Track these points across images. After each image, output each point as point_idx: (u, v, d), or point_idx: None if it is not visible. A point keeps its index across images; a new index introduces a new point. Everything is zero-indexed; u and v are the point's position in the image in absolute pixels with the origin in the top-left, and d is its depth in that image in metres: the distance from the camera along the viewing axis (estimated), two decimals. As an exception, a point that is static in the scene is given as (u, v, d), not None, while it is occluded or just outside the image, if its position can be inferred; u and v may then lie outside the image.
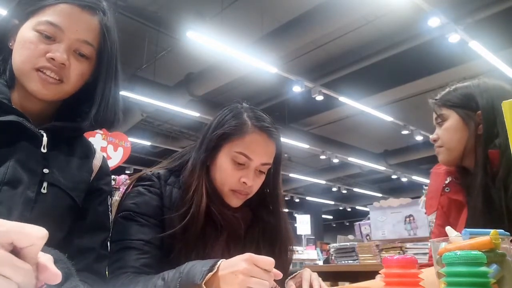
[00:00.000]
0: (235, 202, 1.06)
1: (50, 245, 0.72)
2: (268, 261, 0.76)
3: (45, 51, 0.84)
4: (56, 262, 0.67)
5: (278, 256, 1.06)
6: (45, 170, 0.84)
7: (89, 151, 0.99)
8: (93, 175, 0.97)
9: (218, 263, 0.79)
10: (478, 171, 1.18)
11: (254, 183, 1.05)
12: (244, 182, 1.03)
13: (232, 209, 1.06)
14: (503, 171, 1.13)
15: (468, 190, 1.23)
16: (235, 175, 1.03)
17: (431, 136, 1.33)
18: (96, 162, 0.99)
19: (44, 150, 0.85)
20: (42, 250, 0.67)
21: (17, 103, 0.88)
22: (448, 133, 1.26)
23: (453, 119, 1.25)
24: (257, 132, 1.04)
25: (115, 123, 0.97)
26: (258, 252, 0.81)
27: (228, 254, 0.83)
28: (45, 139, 0.86)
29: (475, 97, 1.23)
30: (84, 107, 0.94)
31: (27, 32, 0.85)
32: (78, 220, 0.92)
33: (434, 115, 1.31)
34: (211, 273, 0.77)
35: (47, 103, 0.91)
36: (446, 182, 1.32)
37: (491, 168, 1.17)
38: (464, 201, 1.25)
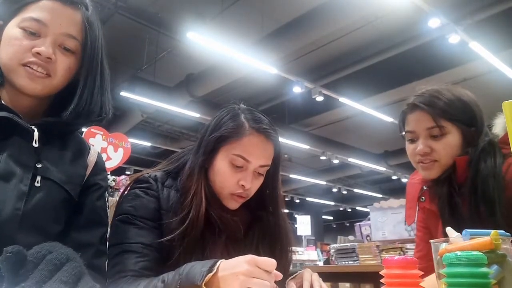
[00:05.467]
0: (234, 204, 1.06)
1: (48, 238, 0.73)
2: (269, 262, 0.76)
3: (31, 47, 0.85)
4: (69, 260, 0.68)
5: (278, 257, 1.06)
6: (38, 165, 0.86)
7: (83, 147, 1.00)
8: (89, 170, 0.98)
9: (218, 263, 0.79)
10: (445, 181, 1.18)
11: (252, 185, 1.04)
12: (242, 185, 1.02)
13: (231, 212, 1.06)
14: (471, 180, 1.12)
15: (438, 199, 1.21)
16: (234, 178, 1.02)
17: (419, 148, 1.19)
18: (91, 158, 1.00)
19: (36, 145, 0.86)
20: (48, 247, 0.68)
21: (7, 101, 0.89)
22: (450, 149, 1.16)
23: (455, 134, 1.17)
24: (255, 134, 1.03)
25: (103, 116, 0.97)
26: (257, 253, 0.81)
27: (228, 257, 0.83)
28: (36, 133, 0.87)
29: (474, 113, 1.19)
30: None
31: (11, 30, 0.87)
32: (76, 215, 0.92)
33: (427, 124, 1.17)
34: (210, 274, 0.77)
35: (37, 99, 0.91)
36: (422, 191, 1.29)
37: (456, 176, 1.16)
38: (437, 211, 1.22)
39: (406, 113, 1.26)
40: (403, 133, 1.28)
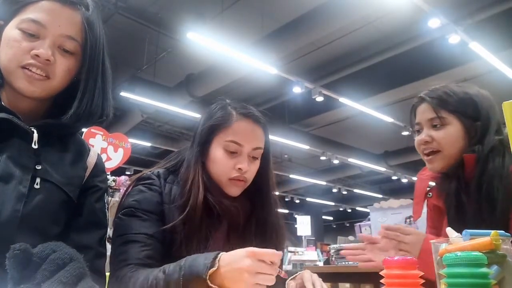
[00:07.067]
0: (234, 190, 1.08)
1: (47, 240, 0.73)
2: (271, 253, 0.77)
3: (30, 48, 0.85)
4: (72, 260, 0.69)
5: (274, 246, 1.08)
6: (38, 166, 0.85)
7: (82, 149, 0.99)
8: (88, 172, 0.97)
9: (219, 256, 0.80)
10: (453, 177, 1.19)
11: (249, 169, 1.07)
12: (239, 168, 1.05)
13: (231, 199, 1.08)
14: (477, 179, 1.13)
15: (446, 195, 1.22)
16: (230, 163, 1.06)
17: (421, 137, 1.23)
18: (91, 160, 0.99)
19: (35, 146, 0.86)
20: (53, 247, 0.68)
21: (7, 102, 0.88)
22: (450, 139, 1.19)
23: (456, 125, 1.20)
24: (243, 119, 1.09)
25: (104, 118, 0.97)
26: (253, 242, 0.82)
27: (228, 244, 0.85)
28: (35, 135, 0.86)
29: (478, 107, 1.20)
30: None
31: (11, 31, 0.86)
32: (75, 217, 0.92)
33: (429, 115, 1.22)
34: (214, 268, 0.78)
35: (36, 101, 0.91)
36: (429, 187, 1.31)
37: (464, 173, 1.17)
38: (443, 207, 1.24)
39: (415, 107, 1.31)
40: (414, 125, 1.31)
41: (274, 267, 0.77)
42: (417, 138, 1.27)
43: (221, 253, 0.80)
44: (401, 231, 1.11)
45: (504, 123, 1.20)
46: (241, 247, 0.80)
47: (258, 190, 1.15)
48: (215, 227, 1.05)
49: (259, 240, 1.08)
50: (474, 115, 1.20)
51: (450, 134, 1.20)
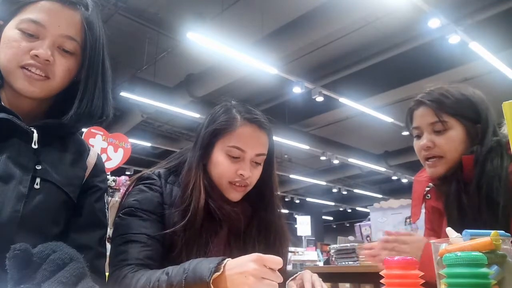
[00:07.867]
0: (235, 195, 1.07)
1: (47, 240, 0.73)
2: (276, 260, 0.77)
3: (29, 49, 0.84)
4: (72, 260, 0.68)
5: (277, 251, 1.07)
6: (38, 166, 0.85)
7: (82, 149, 0.99)
8: (88, 172, 0.97)
9: (224, 261, 0.79)
10: (452, 179, 1.18)
11: (251, 175, 1.06)
12: (241, 174, 1.04)
13: (232, 204, 1.07)
14: (477, 180, 1.13)
15: (446, 197, 1.21)
16: (232, 168, 1.05)
17: (422, 142, 1.21)
18: (91, 160, 0.99)
19: (35, 146, 0.86)
20: (53, 247, 0.68)
21: (7, 102, 0.88)
22: (453, 144, 1.17)
23: (458, 129, 1.18)
24: (248, 124, 1.07)
25: (104, 119, 0.97)
26: (254, 248, 0.81)
27: (229, 249, 0.83)
28: (35, 135, 0.86)
29: (478, 109, 1.19)
30: None
31: (10, 31, 0.86)
32: (75, 217, 0.92)
33: (430, 119, 1.20)
34: (218, 273, 0.77)
35: (36, 101, 0.91)
36: (427, 189, 1.30)
37: (463, 174, 1.17)
38: (443, 209, 1.23)
39: (412, 110, 1.28)
40: (411, 129, 1.29)
41: (277, 274, 0.76)
42: (418, 143, 1.24)
43: (227, 259, 0.80)
44: (399, 241, 1.11)
45: (499, 124, 1.21)
46: (242, 252, 0.79)
47: (261, 194, 1.14)
48: (215, 232, 1.04)
49: (261, 244, 1.08)
50: (474, 118, 1.19)
51: (453, 139, 1.18)
